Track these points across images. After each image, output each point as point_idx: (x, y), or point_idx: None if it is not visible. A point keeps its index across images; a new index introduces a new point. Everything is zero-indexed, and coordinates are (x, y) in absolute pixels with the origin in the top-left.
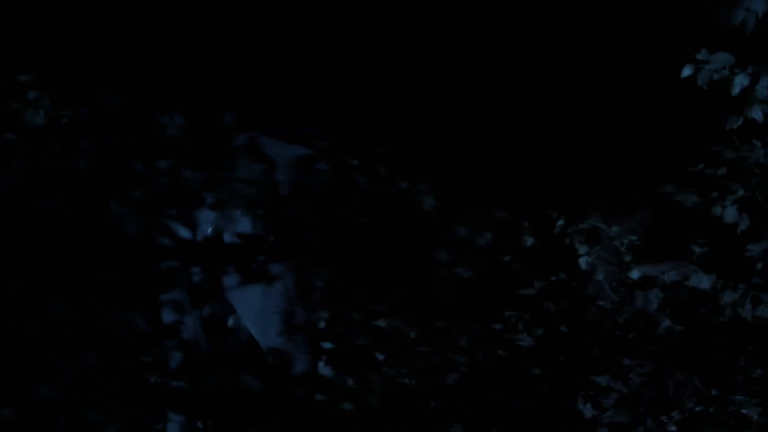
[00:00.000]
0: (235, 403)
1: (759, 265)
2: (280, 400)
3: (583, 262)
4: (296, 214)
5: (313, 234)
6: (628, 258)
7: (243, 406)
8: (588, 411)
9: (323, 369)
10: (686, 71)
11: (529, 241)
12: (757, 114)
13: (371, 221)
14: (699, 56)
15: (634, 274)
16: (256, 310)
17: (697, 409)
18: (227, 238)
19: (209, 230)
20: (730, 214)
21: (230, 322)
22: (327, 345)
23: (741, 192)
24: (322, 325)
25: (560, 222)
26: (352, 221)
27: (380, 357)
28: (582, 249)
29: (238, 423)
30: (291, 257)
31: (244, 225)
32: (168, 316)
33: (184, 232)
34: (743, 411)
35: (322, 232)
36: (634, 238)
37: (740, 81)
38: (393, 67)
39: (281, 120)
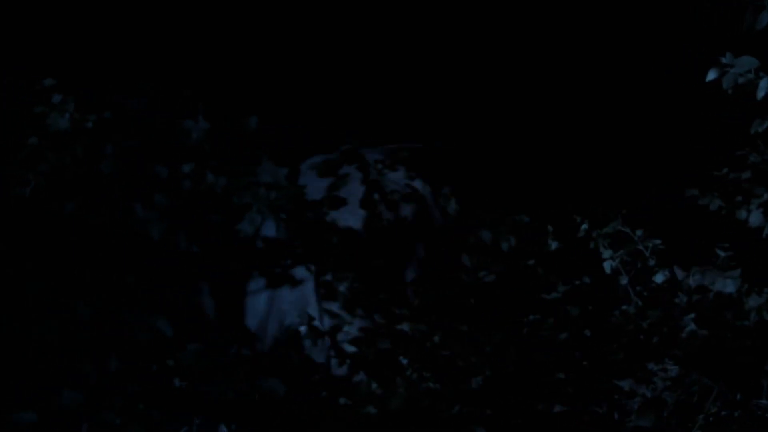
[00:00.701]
0: (259, 406)
1: None
2: (304, 404)
3: (607, 266)
4: (320, 217)
5: (336, 238)
6: (652, 262)
7: (267, 409)
8: (612, 415)
9: (347, 373)
10: (711, 75)
11: (553, 245)
12: None
13: (394, 225)
14: (724, 60)
15: (658, 278)
16: (281, 314)
17: (722, 413)
18: (251, 241)
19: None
20: (755, 218)
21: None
22: (351, 349)
23: (766, 196)
24: (346, 328)
25: (584, 226)
26: (376, 225)
27: (404, 361)
28: (606, 253)
29: (262, 426)
30: (315, 261)
31: (269, 229)
32: (192, 320)
33: (208, 236)
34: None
35: (345, 235)
36: (658, 242)
37: (765, 85)
38: (416, 69)
39: (302, 123)
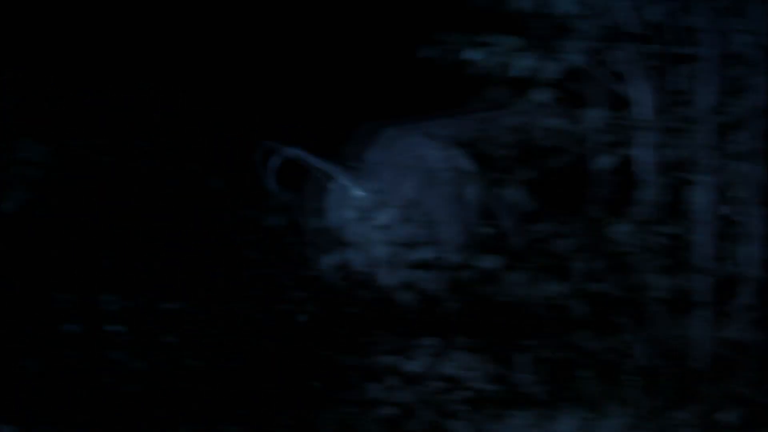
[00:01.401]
0: (18, 384)
1: (544, 246)
2: (62, 381)
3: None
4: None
5: (92, 215)
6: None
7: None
8: (372, 391)
9: (113, 353)
10: (472, 54)
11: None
12: (542, 95)
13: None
14: (485, 39)
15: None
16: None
17: (483, 387)
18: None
19: None
20: (516, 195)
21: None
22: (118, 328)
23: (525, 173)
24: (112, 308)
25: None
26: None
27: (169, 340)
28: None
29: (19, 403)
30: (69, 238)
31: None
32: None
33: None
34: (528, 390)
35: (103, 212)
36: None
37: (525, 63)
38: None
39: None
